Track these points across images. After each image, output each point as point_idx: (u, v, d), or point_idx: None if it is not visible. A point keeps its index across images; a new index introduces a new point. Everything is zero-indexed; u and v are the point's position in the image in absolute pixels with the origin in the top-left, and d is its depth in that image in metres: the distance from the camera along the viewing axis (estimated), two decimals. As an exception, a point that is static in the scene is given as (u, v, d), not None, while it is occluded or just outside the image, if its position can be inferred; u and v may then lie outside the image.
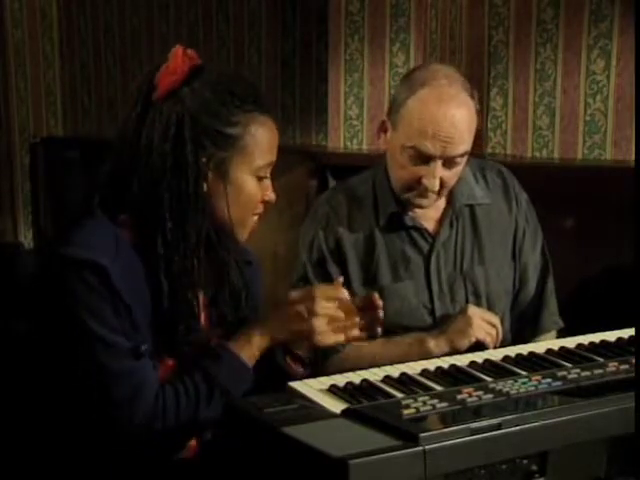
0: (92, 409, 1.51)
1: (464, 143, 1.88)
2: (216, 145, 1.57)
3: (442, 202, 2.02)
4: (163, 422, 1.52)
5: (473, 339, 1.89)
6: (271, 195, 1.66)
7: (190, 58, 1.58)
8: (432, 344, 1.91)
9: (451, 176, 1.91)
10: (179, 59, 1.57)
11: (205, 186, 1.58)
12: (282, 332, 1.62)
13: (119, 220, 1.56)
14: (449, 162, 1.88)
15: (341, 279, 1.70)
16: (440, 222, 2.02)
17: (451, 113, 1.85)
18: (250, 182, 1.61)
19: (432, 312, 2.00)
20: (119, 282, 1.49)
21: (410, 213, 2.00)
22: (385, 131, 1.97)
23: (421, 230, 2.01)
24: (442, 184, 1.91)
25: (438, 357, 1.79)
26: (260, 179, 1.63)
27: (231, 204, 1.60)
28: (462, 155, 1.89)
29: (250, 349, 1.60)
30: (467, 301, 1.99)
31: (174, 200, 1.54)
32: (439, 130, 1.84)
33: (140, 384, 1.50)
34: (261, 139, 1.60)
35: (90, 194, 1.61)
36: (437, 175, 1.88)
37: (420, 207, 1.98)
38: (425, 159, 1.88)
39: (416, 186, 1.91)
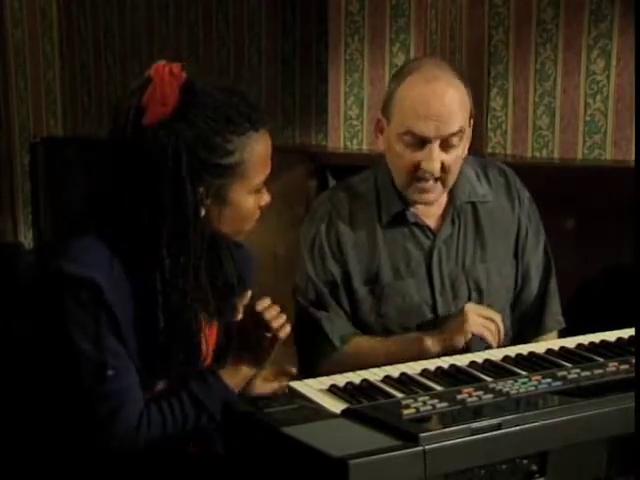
0: (76, 423, 1.53)
1: (457, 121, 1.87)
2: (214, 175, 1.54)
3: (444, 199, 2.01)
4: (148, 438, 1.53)
5: (469, 335, 1.88)
6: (267, 199, 1.64)
7: (177, 78, 1.51)
8: (429, 343, 1.90)
9: (451, 160, 1.90)
10: (166, 84, 1.50)
11: (203, 211, 1.55)
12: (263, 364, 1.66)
13: (115, 240, 1.53)
14: (446, 143, 1.87)
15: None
16: (442, 219, 2.02)
17: (440, 91, 1.85)
18: (248, 200, 1.60)
19: (434, 309, 1.99)
20: (112, 298, 1.49)
21: (412, 209, 2.00)
22: (382, 131, 1.97)
23: (423, 227, 2.01)
24: (443, 169, 1.89)
25: (437, 356, 1.79)
26: (257, 193, 1.61)
27: (230, 222, 1.60)
28: (457, 134, 1.88)
29: (237, 378, 1.62)
30: (469, 298, 1.99)
31: (172, 236, 1.52)
32: (429, 109, 1.84)
33: (121, 404, 1.51)
34: (258, 158, 1.57)
35: (88, 209, 1.60)
36: (435, 157, 1.87)
37: (425, 203, 1.97)
38: (421, 143, 1.87)
39: (417, 174, 1.90)
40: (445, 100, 1.85)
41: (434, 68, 1.90)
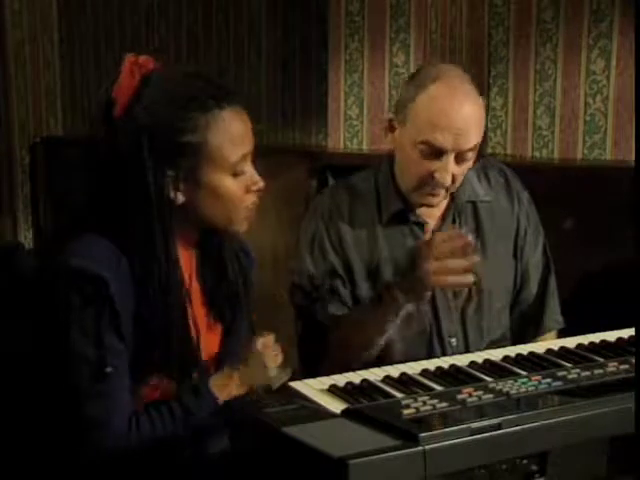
0: (69, 422, 1.53)
1: (474, 137, 1.88)
2: (180, 156, 1.51)
3: (445, 199, 2.02)
4: (138, 442, 1.53)
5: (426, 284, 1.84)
6: (258, 183, 1.60)
7: (140, 67, 1.53)
8: (396, 292, 1.89)
9: (461, 172, 1.92)
10: (127, 72, 1.52)
11: (181, 197, 1.54)
12: (258, 381, 1.66)
13: (115, 234, 1.53)
14: (460, 157, 1.89)
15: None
16: (442, 218, 2.03)
17: (462, 106, 1.86)
18: (227, 182, 1.56)
19: (434, 307, 2.00)
20: (117, 294, 1.49)
21: (414, 209, 2.00)
22: (392, 130, 1.97)
23: (423, 226, 2.01)
24: (452, 179, 1.91)
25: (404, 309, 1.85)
26: (237, 175, 1.57)
27: (213, 207, 1.57)
28: (473, 149, 1.89)
29: (227, 391, 1.62)
30: (469, 296, 2.00)
31: (146, 220, 1.52)
32: (451, 123, 1.85)
33: (115, 404, 1.50)
34: (227, 136, 1.53)
35: (88, 207, 1.60)
36: (450, 169, 1.88)
37: (429, 205, 1.98)
38: (437, 154, 1.88)
39: (428, 181, 1.91)
40: (466, 116, 1.86)
41: (457, 80, 1.90)
